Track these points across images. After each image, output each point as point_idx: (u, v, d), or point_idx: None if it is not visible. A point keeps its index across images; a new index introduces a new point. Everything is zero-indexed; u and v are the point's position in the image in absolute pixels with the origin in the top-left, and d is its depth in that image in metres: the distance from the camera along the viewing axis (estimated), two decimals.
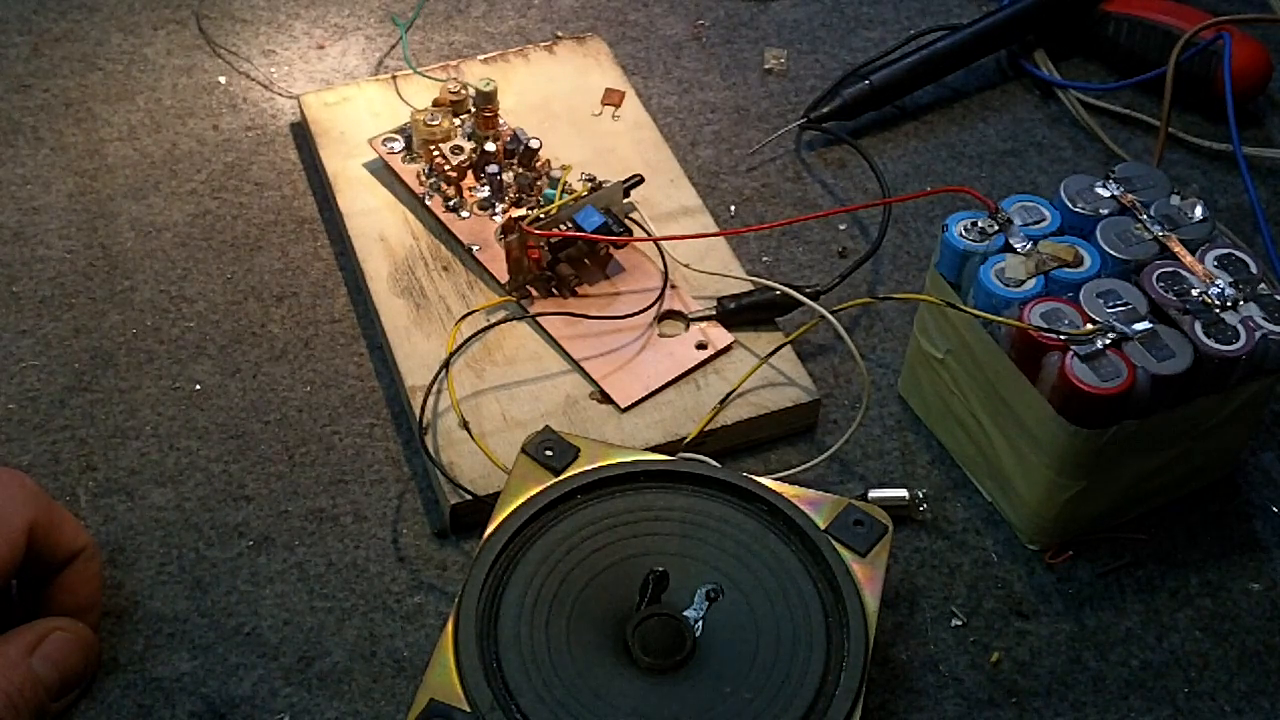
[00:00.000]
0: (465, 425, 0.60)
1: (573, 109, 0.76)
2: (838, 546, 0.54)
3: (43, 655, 0.53)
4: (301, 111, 0.75)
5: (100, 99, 0.78)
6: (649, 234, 0.68)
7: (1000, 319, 0.56)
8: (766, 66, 0.83)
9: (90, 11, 0.84)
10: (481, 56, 0.78)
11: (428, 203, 0.70)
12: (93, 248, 0.71)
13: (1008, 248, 0.58)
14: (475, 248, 0.68)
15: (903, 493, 0.61)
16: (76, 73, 0.80)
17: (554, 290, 0.66)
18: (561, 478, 0.55)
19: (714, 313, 0.65)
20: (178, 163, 0.75)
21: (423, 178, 0.70)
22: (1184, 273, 0.57)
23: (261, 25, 0.84)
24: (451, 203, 0.70)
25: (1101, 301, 0.56)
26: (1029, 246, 0.58)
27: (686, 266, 0.67)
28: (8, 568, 0.51)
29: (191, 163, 0.75)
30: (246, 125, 0.77)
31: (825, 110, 0.78)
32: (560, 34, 0.83)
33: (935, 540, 0.61)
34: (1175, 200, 0.60)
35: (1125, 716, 0.56)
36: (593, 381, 0.63)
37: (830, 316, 0.62)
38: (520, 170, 0.70)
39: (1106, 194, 0.60)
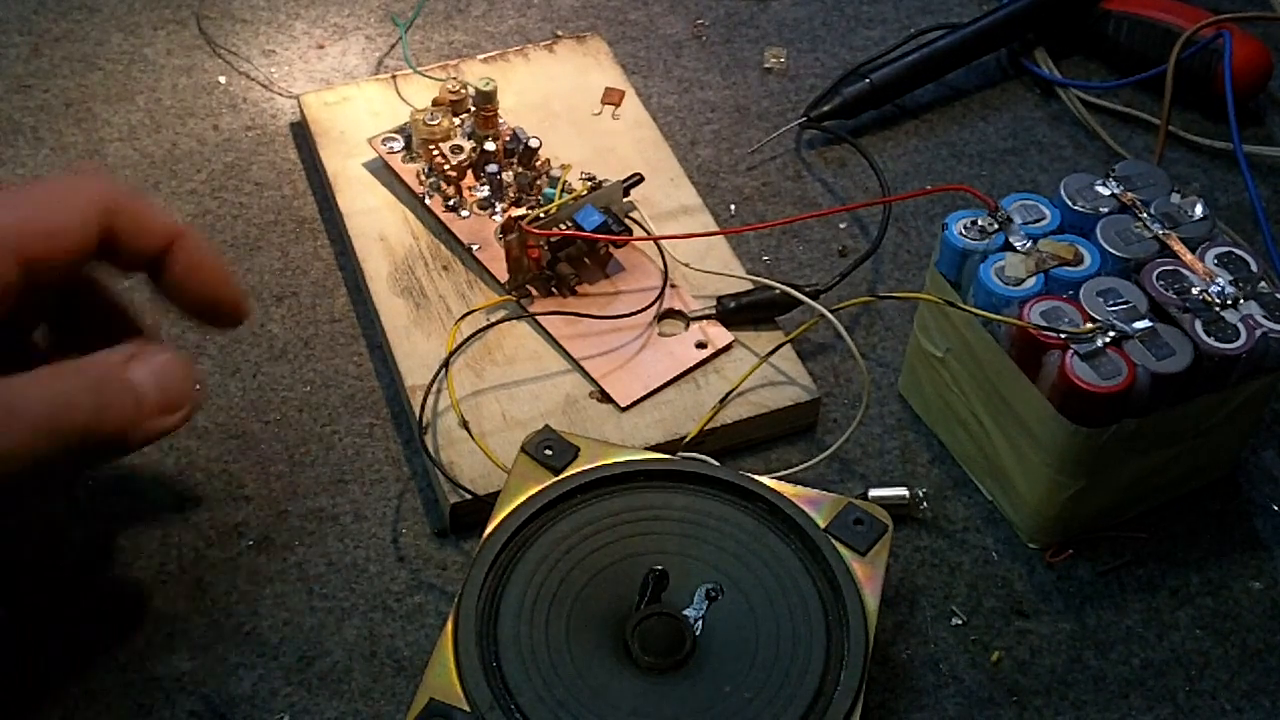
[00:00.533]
0: (465, 425, 0.60)
1: (573, 108, 0.76)
2: (838, 545, 0.54)
3: (141, 363, 0.50)
4: (301, 111, 0.75)
5: (100, 99, 0.78)
6: (649, 233, 0.68)
7: (1000, 318, 0.56)
8: (766, 65, 0.83)
9: (90, 11, 0.84)
10: (481, 56, 0.78)
11: (427, 202, 0.70)
12: None
13: (1008, 246, 0.58)
14: (475, 247, 0.68)
15: (903, 491, 0.61)
16: (76, 73, 0.80)
17: (554, 289, 0.66)
18: (561, 477, 0.55)
19: (714, 312, 0.65)
20: (178, 163, 0.75)
21: (422, 177, 0.70)
22: (1184, 271, 0.57)
23: (261, 25, 0.84)
24: (451, 202, 0.70)
25: (1101, 300, 0.56)
26: (1029, 245, 0.58)
27: (686, 266, 0.67)
28: (77, 244, 0.50)
29: (191, 163, 0.75)
30: (246, 125, 0.77)
31: (825, 109, 0.78)
32: (560, 33, 0.83)
33: (935, 539, 0.61)
34: (1175, 198, 0.60)
35: (1126, 715, 0.56)
36: (593, 381, 0.63)
37: (830, 315, 0.62)
38: (520, 169, 0.70)
39: (1106, 192, 0.60)
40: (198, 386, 0.53)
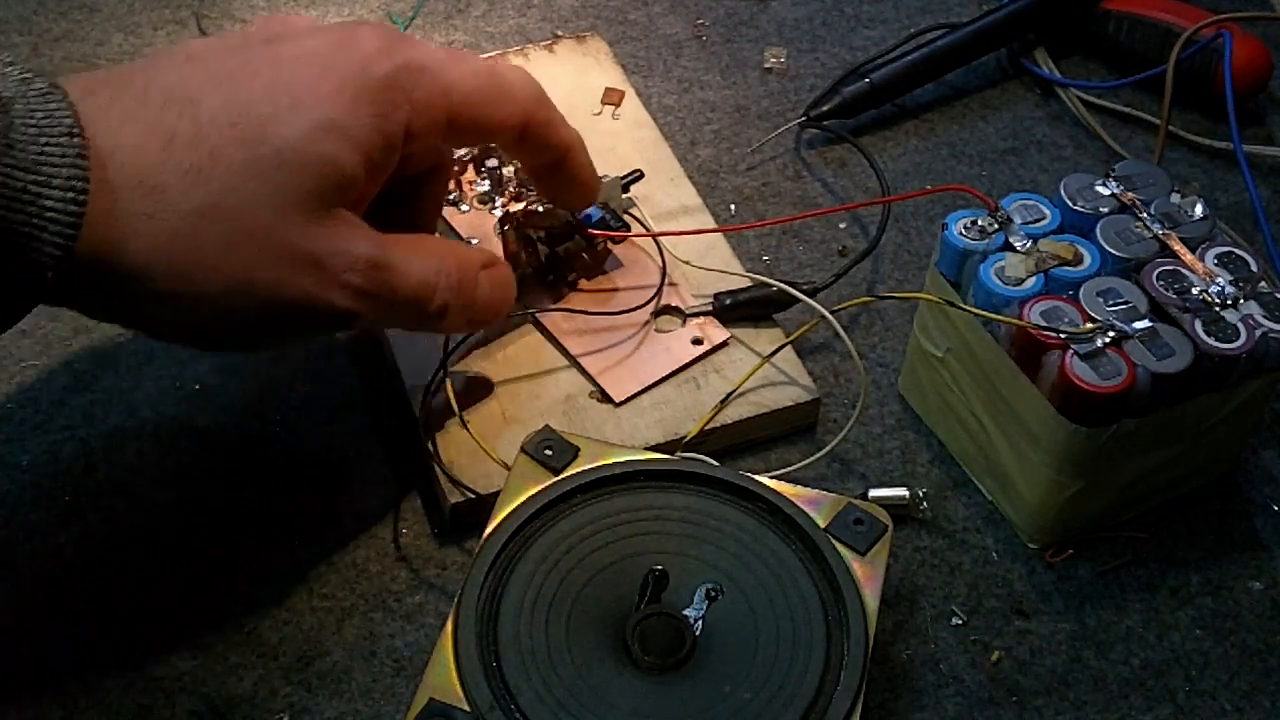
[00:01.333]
0: (465, 424, 0.60)
1: (573, 108, 0.75)
2: (837, 545, 0.54)
3: (489, 275, 0.56)
4: None
5: None
6: (647, 229, 0.68)
7: (1000, 318, 0.56)
8: (766, 65, 0.83)
9: (90, 11, 0.84)
10: (482, 56, 0.78)
11: None
12: None
13: (1008, 246, 0.58)
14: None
15: (903, 491, 0.61)
16: (76, 73, 0.80)
17: (552, 285, 0.66)
18: (561, 477, 0.55)
19: (710, 309, 0.65)
20: None
21: None
22: (1184, 271, 0.57)
23: None
24: (452, 196, 0.70)
25: (1101, 300, 0.56)
26: (1029, 245, 0.58)
27: (686, 264, 0.67)
28: (495, 139, 0.56)
29: None
30: None
31: (825, 109, 0.78)
32: (560, 33, 0.83)
33: (935, 539, 0.61)
34: (1175, 198, 0.60)
35: (1126, 715, 0.56)
36: (590, 378, 0.63)
37: (829, 315, 0.62)
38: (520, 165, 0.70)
39: (1106, 192, 0.60)
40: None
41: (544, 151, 0.57)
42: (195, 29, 0.83)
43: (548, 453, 0.56)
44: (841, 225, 0.74)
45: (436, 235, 0.56)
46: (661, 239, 0.68)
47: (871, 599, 0.52)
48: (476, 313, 0.56)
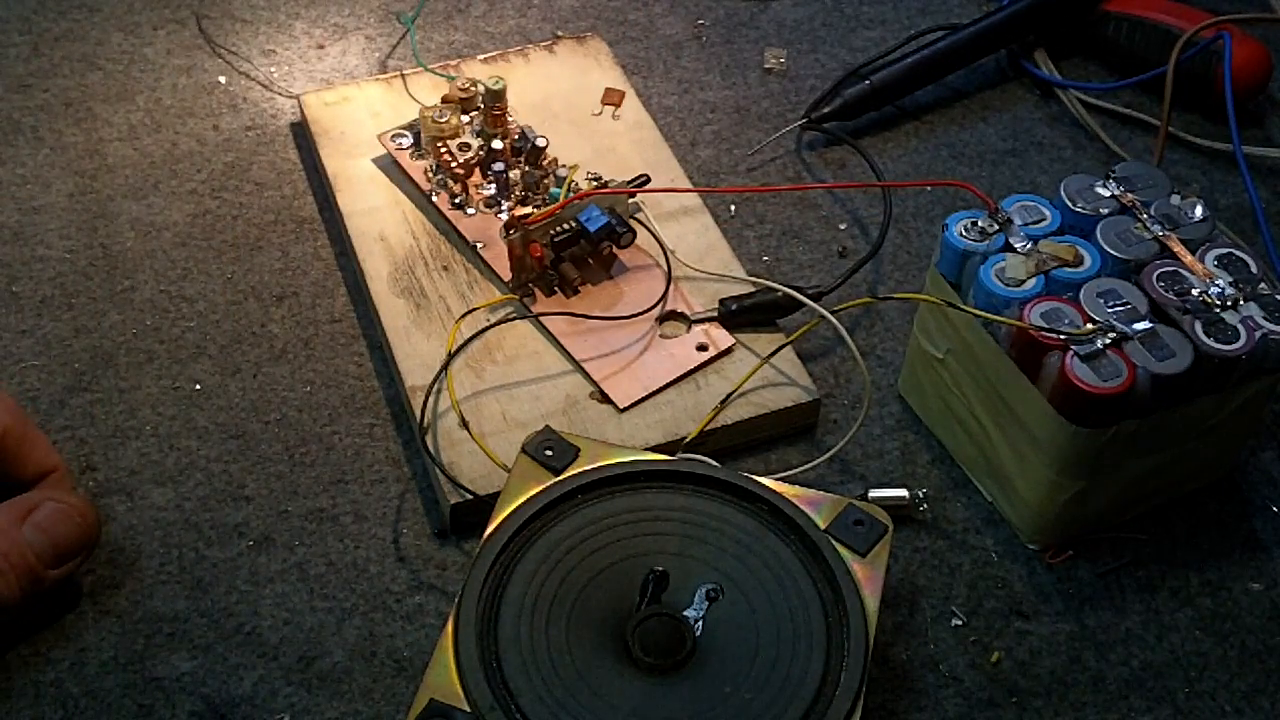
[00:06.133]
0: (465, 425, 0.60)
1: (573, 108, 0.76)
2: (838, 546, 0.54)
3: (34, 523, 0.54)
4: (301, 111, 0.75)
5: (100, 99, 0.78)
6: (654, 234, 0.68)
7: (1000, 319, 0.56)
8: (766, 66, 0.83)
9: (90, 11, 0.84)
10: (482, 56, 0.78)
11: (434, 199, 0.70)
12: (93, 248, 0.71)
13: (1008, 247, 0.58)
14: (480, 245, 0.68)
15: (903, 492, 0.61)
16: (76, 73, 0.80)
17: (557, 290, 0.66)
18: (561, 477, 0.55)
19: (716, 314, 0.65)
20: (178, 163, 0.75)
21: (429, 174, 0.70)
22: (1184, 272, 0.57)
23: (261, 25, 0.84)
24: (457, 200, 0.70)
25: (1102, 301, 0.56)
26: (1029, 246, 0.58)
27: (690, 268, 0.67)
28: None
29: (191, 163, 0.75)
30: (246, 125, 0.77)
31: (825, 110, 0.78)
32: (560, 33, 0.83)
33: (935, 540, 0.61)
34: (1175, 200, 0.60)
35: (1125, 716, 0.56)
36: (593, 381, 0.63)
37: (831, 317, 0.62)
38: (527, 168, 0.70)
39: (1107, 193, 0.60)
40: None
41: (16, 477, 0.56)
42: (195, 29, 0.83)
43: (548, 453, 0.56)
44: (842, 226, 0.74)
45: None
46: (665, 243, 0.68)
47: (871, 600, 0.52)
48: (47, 563, 0.54)
